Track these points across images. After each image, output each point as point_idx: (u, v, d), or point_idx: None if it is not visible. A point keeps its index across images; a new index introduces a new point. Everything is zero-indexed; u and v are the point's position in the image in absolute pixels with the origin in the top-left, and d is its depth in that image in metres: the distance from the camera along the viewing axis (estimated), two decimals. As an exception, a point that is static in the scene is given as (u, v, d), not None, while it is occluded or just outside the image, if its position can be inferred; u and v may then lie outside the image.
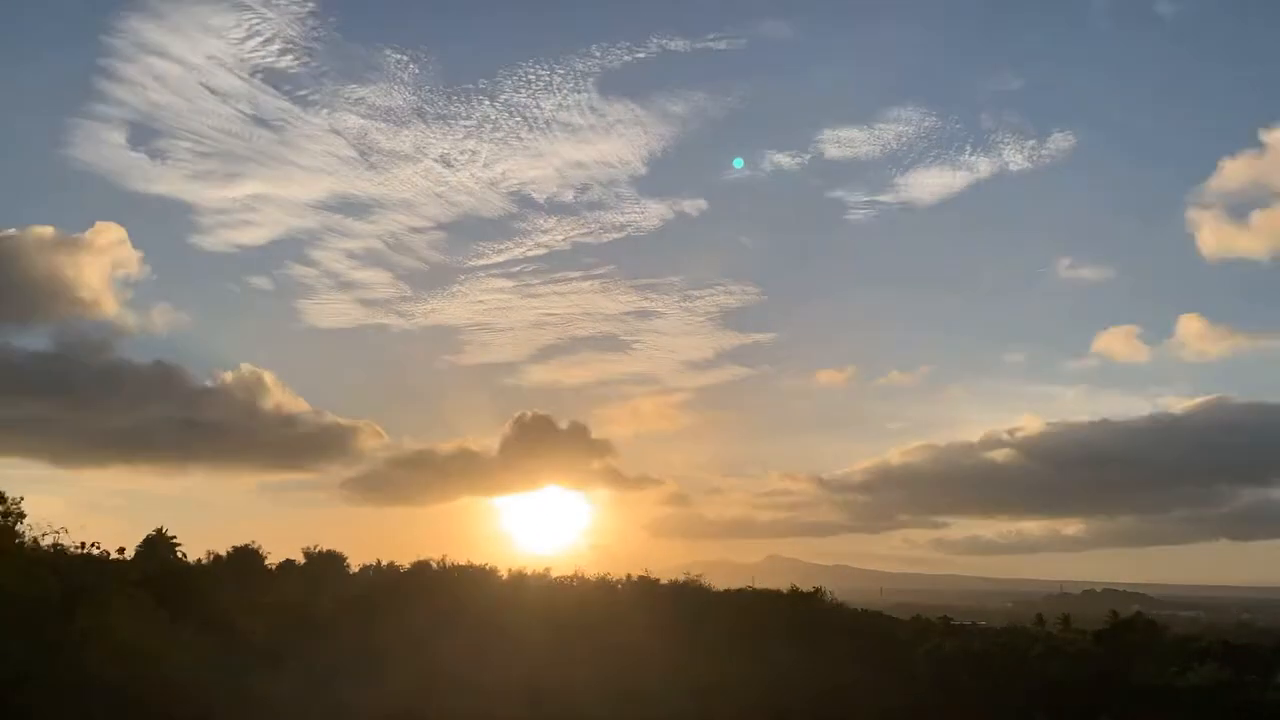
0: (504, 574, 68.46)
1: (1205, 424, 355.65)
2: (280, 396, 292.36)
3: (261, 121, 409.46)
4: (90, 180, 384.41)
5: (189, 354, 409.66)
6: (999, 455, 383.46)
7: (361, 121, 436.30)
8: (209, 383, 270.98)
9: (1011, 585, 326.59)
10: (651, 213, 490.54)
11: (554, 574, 71.28)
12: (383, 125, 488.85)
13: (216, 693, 25.20)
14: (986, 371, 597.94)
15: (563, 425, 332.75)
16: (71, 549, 32.17)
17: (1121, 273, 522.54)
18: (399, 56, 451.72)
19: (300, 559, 67.93)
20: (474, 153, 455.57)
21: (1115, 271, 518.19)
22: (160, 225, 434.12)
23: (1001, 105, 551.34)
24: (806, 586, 73.16)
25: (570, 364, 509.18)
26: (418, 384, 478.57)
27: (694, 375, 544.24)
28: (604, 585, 72.42)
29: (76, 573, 28.60)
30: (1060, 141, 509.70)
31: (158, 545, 56.01)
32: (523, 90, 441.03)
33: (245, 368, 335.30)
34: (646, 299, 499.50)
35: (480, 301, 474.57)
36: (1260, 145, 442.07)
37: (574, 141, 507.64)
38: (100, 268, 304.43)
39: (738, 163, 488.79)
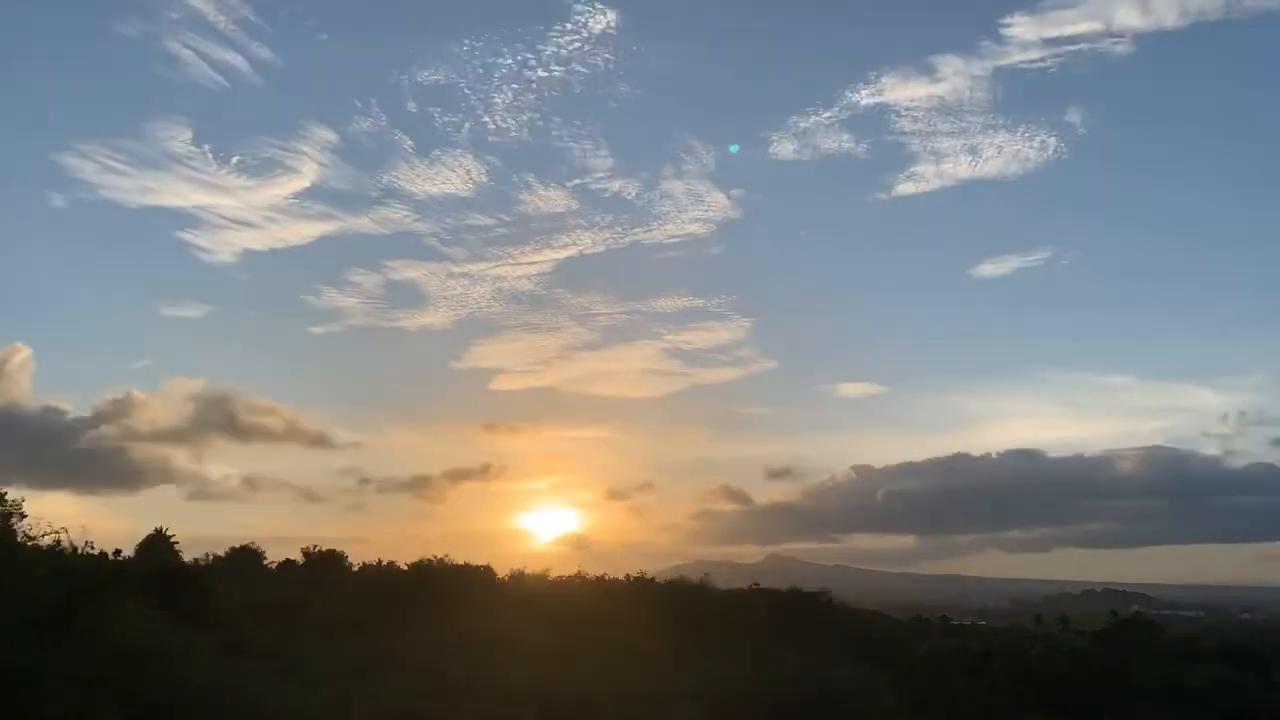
0: (503, 574, 68.69)
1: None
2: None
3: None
4: None
5: None
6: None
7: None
8: None
9: (1011, 585, 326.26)
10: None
11: (554, 574, 71.55)
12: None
13: (216, 693, 25.19)
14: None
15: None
16: (71, 549, 32.14)
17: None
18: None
19: (300, 559, 68.10)
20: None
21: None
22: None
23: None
24: (808, 587, 73.35)
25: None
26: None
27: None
28: (604, 585, 72.61)
29: (76, 573, 28.54)
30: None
31: (157, 545, 56.05)
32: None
33: None
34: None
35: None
36: None
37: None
38: None
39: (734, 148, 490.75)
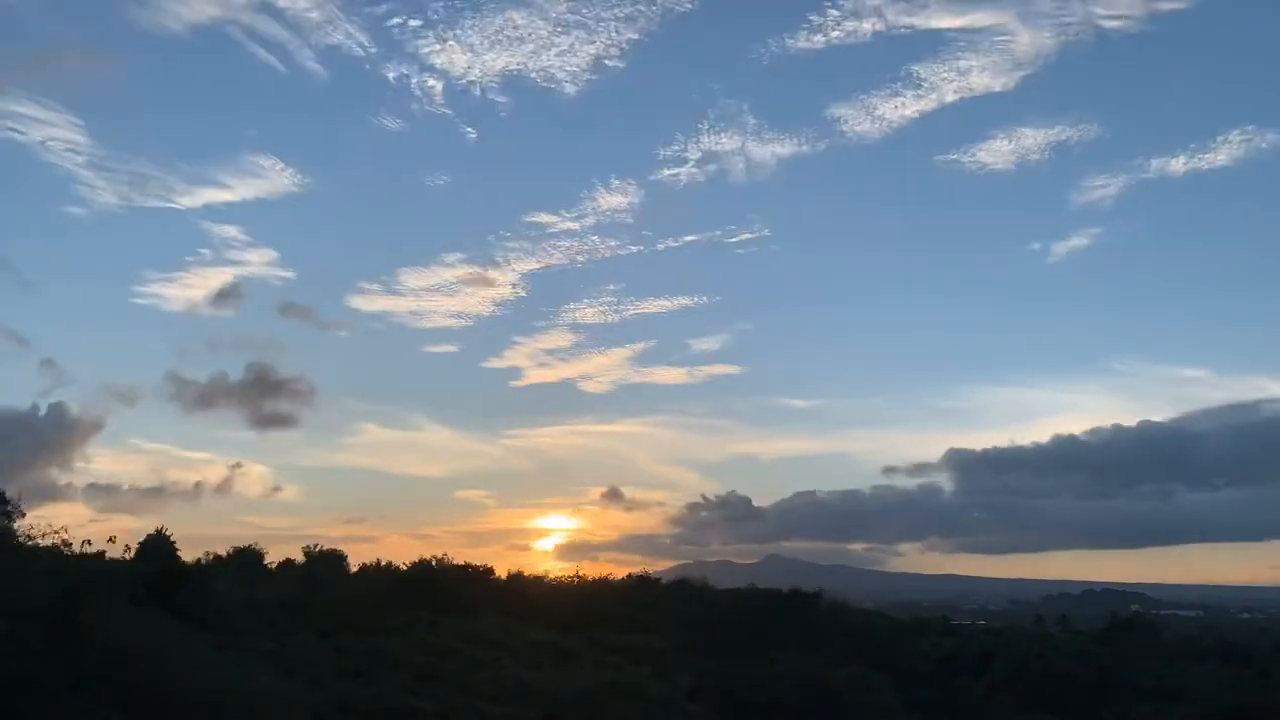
0: (502, 574, 68.85)
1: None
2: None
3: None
4: None
5: None
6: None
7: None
8: None
9: (1011, 585, 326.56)
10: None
11: (553, 574, 71.71)
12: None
13: (216, 693, 25.20)
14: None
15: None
16: (71, 549, 32.14)
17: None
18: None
19: (300, 558, 68.07)
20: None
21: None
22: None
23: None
24: (807, 586, 73.47)
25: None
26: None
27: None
28: (603, 585, 72.75)
29: (75, 572, 28.54)
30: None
31: (157, 545, 55.93)
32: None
33: None
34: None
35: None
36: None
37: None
38: None
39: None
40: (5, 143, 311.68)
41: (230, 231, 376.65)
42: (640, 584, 73.94)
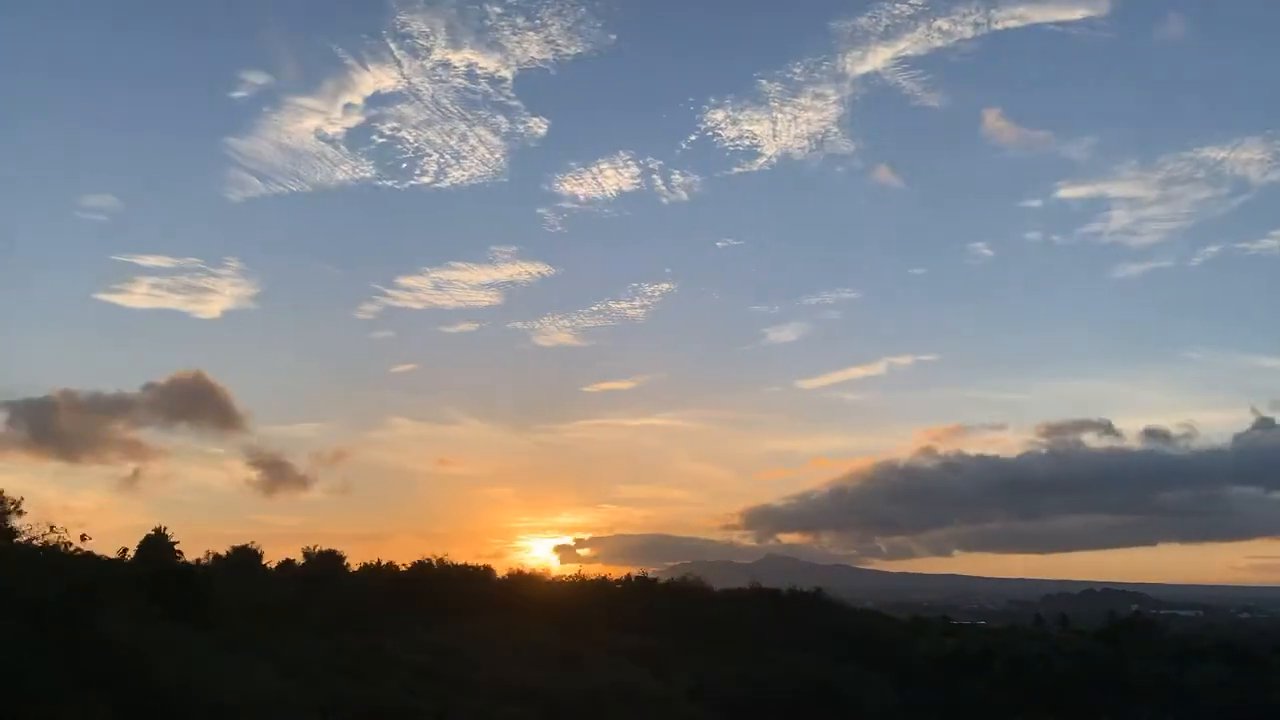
0: (502, 574, 68.83)
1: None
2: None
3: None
4: None
5: None
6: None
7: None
8: None
9: (1011, 585, 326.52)
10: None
11: (553, 573, 71.71)
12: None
13: (216, 693, 25.20)
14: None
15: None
16: (71, 548, 32.14)
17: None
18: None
19: (300, 558, 68.03)
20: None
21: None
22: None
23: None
24: (806, 586, 73.50)
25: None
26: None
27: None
28: (603, 584, 72.73)
29: (75, 572, 28.56)
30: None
31: (157, 545, 55.94)
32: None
33: None
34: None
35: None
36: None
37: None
38: None
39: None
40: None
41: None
42: (640, 584, 73.90)
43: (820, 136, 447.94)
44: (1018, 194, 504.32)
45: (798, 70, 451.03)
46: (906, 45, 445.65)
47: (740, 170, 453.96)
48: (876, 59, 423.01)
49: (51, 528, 31.05)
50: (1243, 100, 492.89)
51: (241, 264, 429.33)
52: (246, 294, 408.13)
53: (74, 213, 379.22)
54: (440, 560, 65.98)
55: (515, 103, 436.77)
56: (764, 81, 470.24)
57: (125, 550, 48.08)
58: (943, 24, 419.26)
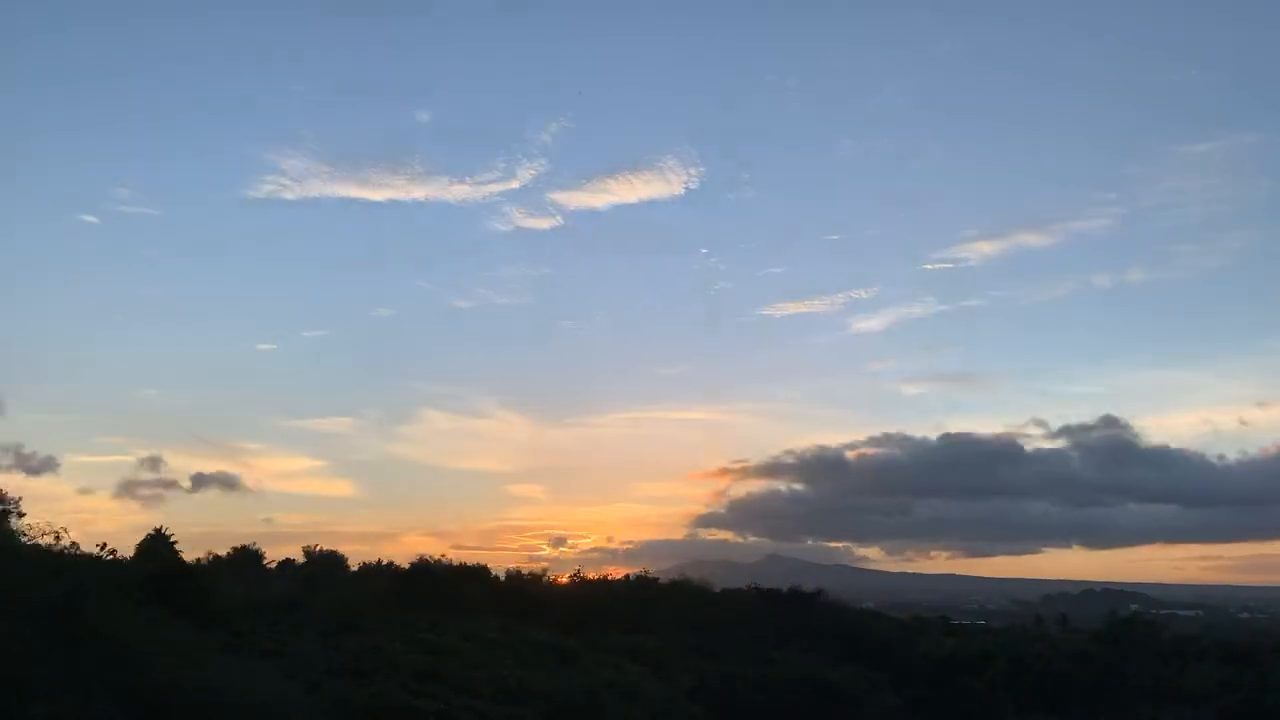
0: (501, 574, 68.95)
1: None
2: None
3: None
4: None
5: None
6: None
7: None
8: None
9: (1011, 585, 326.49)
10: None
11: (552, 573, 71.82)
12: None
13: (216, 693, 25.22)
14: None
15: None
16: (71, 549, 32.17)
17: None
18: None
19: (300, 558, 68.16)
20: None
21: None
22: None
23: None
24: (807, 586, 73.52)
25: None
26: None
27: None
28: (603, 584, 72.79)
29: (75, 572, 28.58)
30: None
31: (157, 545, 56.01)
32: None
33: None
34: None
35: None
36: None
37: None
38: None
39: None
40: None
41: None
42: (640, 584, 73.92)
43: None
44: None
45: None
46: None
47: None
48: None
49: (52, 529, 31.11)
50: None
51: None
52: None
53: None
54: (440, 560, 66.14)
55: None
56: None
57: (114, 551, 48.07)
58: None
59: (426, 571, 64.24)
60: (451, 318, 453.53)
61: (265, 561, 65.09)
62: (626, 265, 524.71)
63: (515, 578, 68.88)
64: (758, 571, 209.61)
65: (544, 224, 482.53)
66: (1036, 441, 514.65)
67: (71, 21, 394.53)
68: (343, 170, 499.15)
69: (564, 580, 71.84)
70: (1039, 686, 57.27)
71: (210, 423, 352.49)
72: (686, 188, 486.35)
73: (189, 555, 53.30)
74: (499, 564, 69.52)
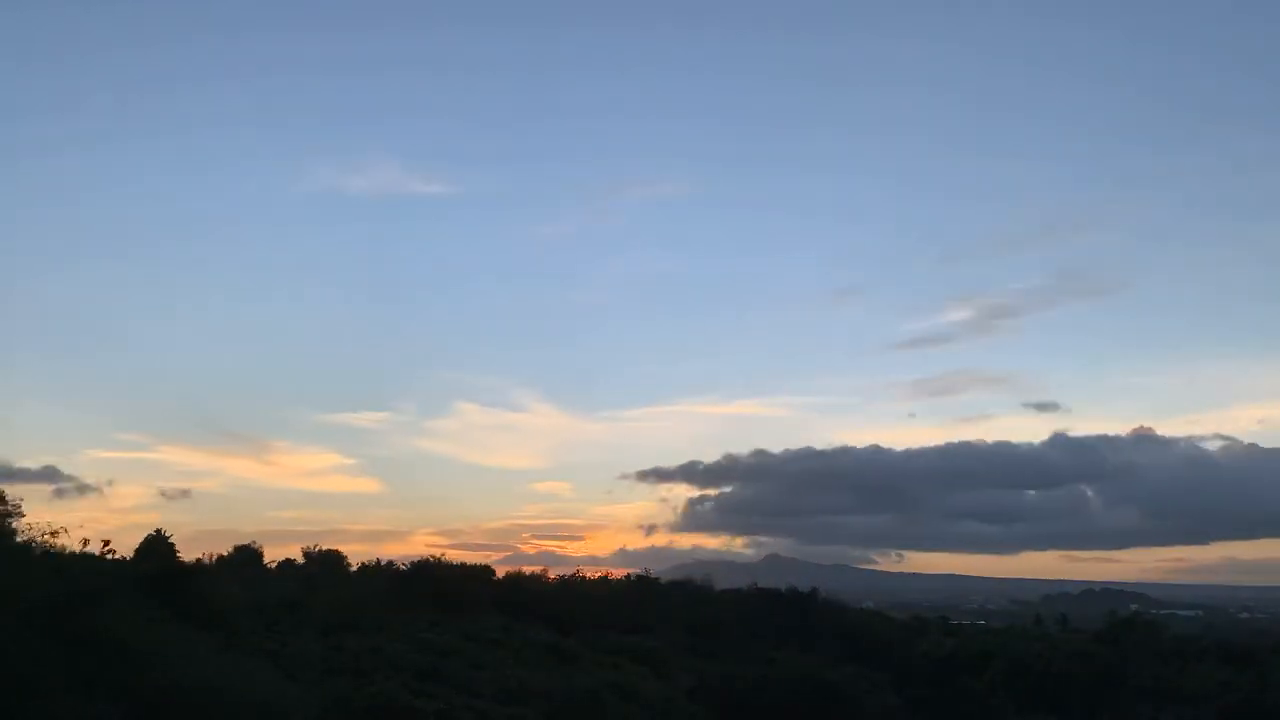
0: (501, 573, 68.99)
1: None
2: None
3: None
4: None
5: None
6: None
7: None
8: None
9: (1011, 585, 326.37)
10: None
11: (552, 572, 71.84)
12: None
13: (216, 693, 25.22)
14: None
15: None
16: (71, 549, 32.21)
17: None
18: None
19: (299, 558, 68.10)
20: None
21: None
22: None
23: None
24: (806, 586, 73.54)
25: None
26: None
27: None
28: (603, 584, 72.80)
29: (75, 572, 28.58)
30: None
31: (157, 545, 56.04)
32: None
33: None
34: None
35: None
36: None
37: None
38: None
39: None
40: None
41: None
42: (640, 584, 73.90)
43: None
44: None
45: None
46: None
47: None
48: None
49: (53, 529, 31.10)
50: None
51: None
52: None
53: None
54: (440, 560, 66.15)
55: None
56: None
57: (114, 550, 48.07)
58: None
59: (427, 571, 64.23)
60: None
61: (265, 561, 65.06)
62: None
63: (516, 577, 68.89)
64: (757, 571, 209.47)
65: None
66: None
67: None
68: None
69: (564, 580, 71.83)
70: (1039, 686, 57.26)
71: (241, 418, 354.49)
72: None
73: (189, 555, 53.38)
74: (505, 564, 69.28)
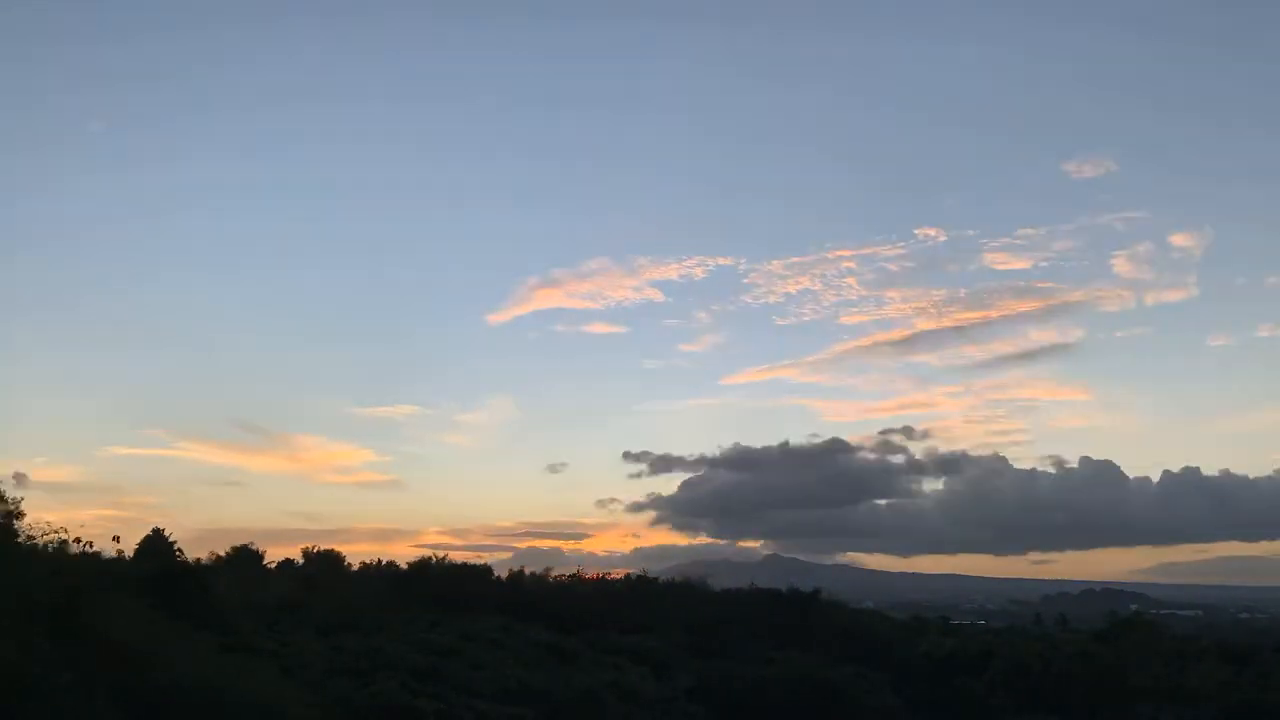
0: (501, 574, 68.98)
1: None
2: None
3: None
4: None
5: None
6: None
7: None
8: None
9: (1010, 585, 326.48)
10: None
11: (553, 573, 71.80)
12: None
13: (216, 693, 25.23)
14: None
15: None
16: (71, 549, 32.16)
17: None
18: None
19: (299, 558, 68.12)
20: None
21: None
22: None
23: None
24: (806, 586, 73.48)
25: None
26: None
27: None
28: (603, 584, 72.80)
29: (75, 572, 28.57)
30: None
31: (157, 545, 56.05)
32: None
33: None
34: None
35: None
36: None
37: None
38: None
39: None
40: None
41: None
42: (640, 584, 73.88)
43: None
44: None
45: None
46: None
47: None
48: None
49: (53, 527, 31.07)
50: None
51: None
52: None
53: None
54: (440, 560, 66.17)
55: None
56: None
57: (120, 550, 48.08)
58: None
59: (426, 571, 64.24)
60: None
61: (265, 561, 65.05)
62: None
63: (516, 577, 68.88)
64: (757, 571, 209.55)
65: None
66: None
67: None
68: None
69: (564, 580, 71.79)
70: (1039, 686, 57.20)
71: (269, 410, 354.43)
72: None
73: (190, 555, 53.33)
74: (509, 564, 69.18)
